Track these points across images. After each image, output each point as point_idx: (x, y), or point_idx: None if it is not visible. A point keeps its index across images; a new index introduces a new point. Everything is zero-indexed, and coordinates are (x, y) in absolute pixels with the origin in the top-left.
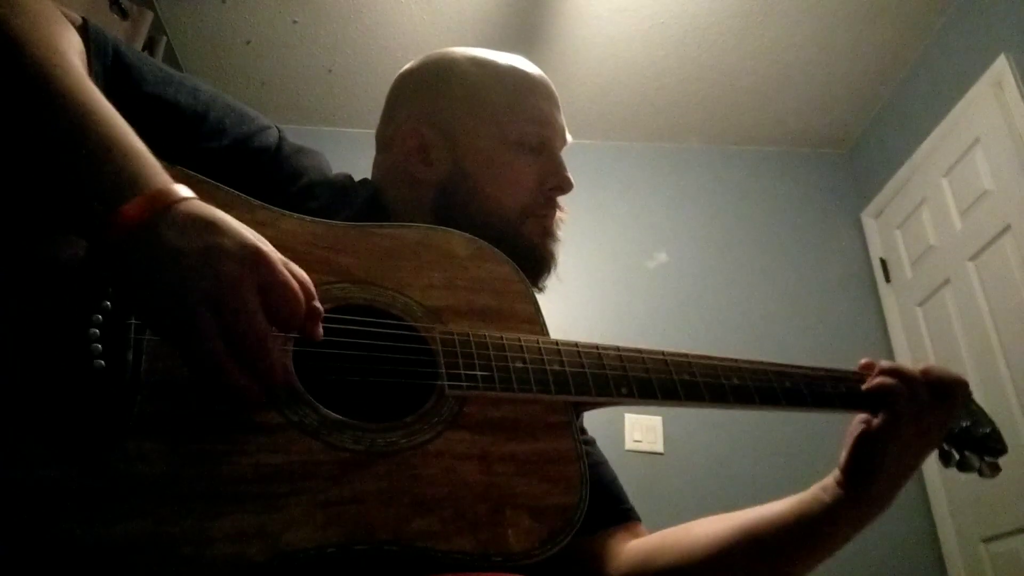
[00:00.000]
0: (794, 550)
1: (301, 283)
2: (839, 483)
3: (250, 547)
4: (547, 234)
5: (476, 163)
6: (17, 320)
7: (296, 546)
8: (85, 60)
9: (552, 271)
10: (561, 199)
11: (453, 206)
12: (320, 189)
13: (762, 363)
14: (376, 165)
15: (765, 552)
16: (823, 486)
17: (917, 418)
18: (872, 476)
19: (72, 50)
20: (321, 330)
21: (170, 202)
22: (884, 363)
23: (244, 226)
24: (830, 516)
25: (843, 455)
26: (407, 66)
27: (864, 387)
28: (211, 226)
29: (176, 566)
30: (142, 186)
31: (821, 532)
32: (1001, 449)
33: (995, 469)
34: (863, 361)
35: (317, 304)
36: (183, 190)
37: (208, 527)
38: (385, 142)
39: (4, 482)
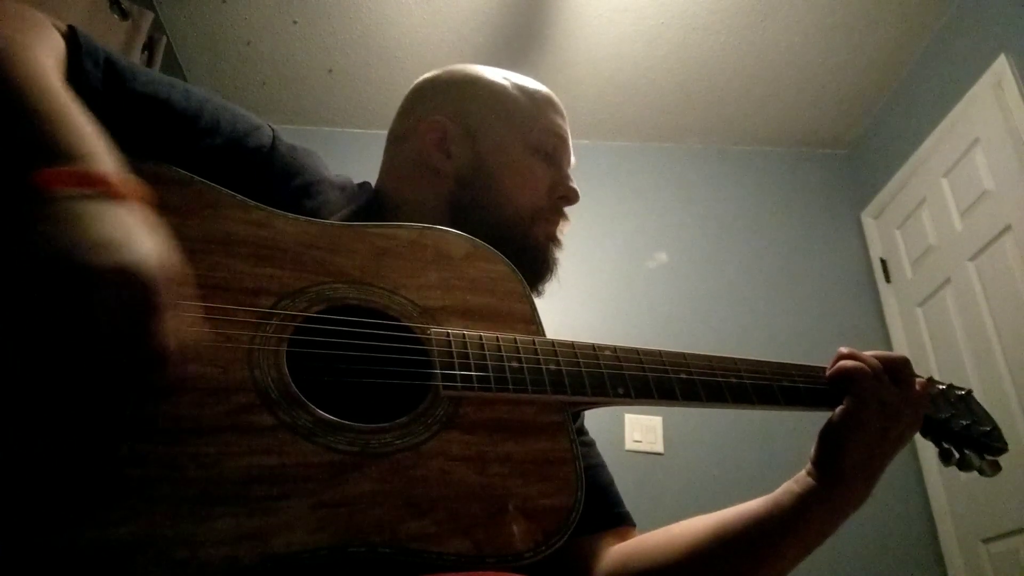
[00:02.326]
0: (767, 545)
1: (160, 349)
2: (809, 473)
3: (243, 550)
4: (552, 239)
5: (496, 159)
6: (9, 321)
7: (289, 549)
8: (63, 61)
9: (553, 276)
10: (567, 209)
11: (469, 198)
12: (317, 188)
13: (760, 362)
14: (388, 159)
15: (739, 549)
16: (795, 478)
17: (880, 401)
18: (839, 464)
19: (44, 48)
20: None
21: (108, 191)
22: (844, 349)
23: (146, 256)
24: (801, 508)
25: (814, 445)
26: (428, 73)
27: (828, 372)
28: (123, 230)
29: (169, 569)
30: (94, 162)
31: (793, 525)
32: (1001, 448)
33: (996, 467)
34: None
35: (156, 379)
36: (134, 190)
37: (201, 530)
38: (402, 134)
39: None
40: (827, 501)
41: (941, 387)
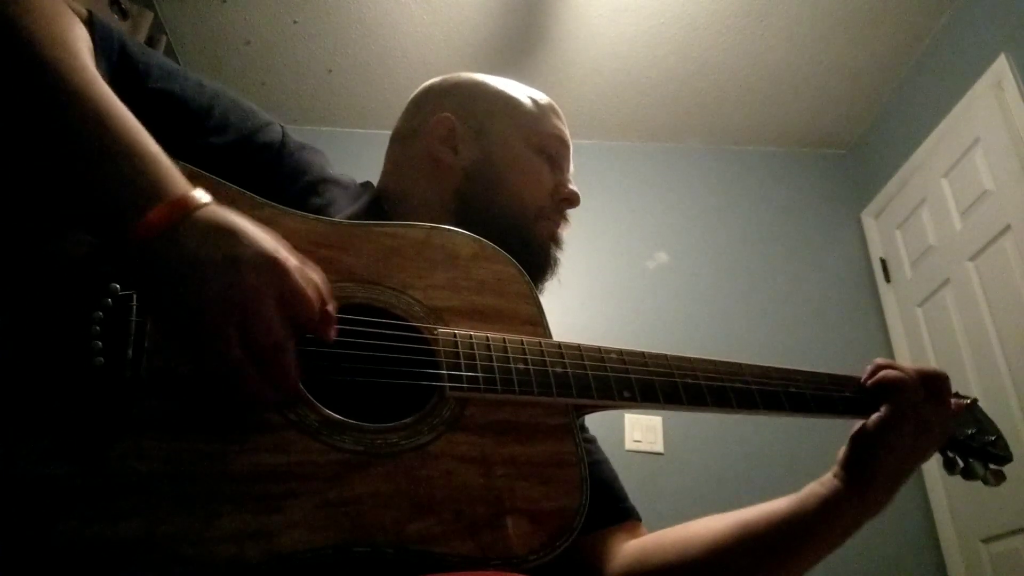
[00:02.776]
0: (790, 546)
1: (316, 286)
2: (836, 476)
3: (248, 547)
4: (554, 238)
5: (503, 156)
6: (18, 317)
7: (294, 547)
8: (93, 55)
9: (553, 275)
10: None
11: (476, 193)
12: (323, 186)
13: (765, 367)
14: (392, 158)
15: (761, 548)
16: (820, 481)
17: (915, 413)
18: (869, 469)
19: (82, 46)
20: (334, 333)
21: (190, 209)
22: (881, 360)
23: (261, 232)
24: (826, 510)
25: (843, 449)
26: (434, 78)
27: (869, 382)
28: (230, 234)
29: (174, 565)
30: (162, 193)
31: (817, 527)
32: (1006, 457)
33: (1000, 477)
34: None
35: (330, 308)
36: (202, 195)
37: (207, 527)
38: (409, 132)
39: (3, 479)
40: (852, 505)
41: None
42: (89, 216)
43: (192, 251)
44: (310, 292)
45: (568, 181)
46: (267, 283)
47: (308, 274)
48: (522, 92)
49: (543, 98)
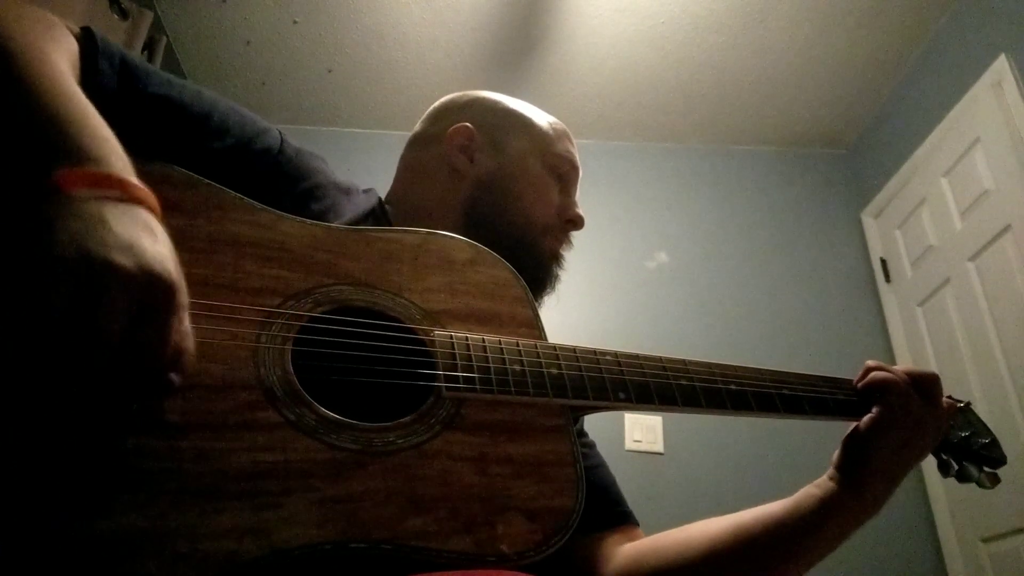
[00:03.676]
0: (787, 548)
1: (178, 350)
2: (832, 478)
3: (245, 543)
4: (556, 256)
5: (517, 170)
6: (16, 314)
7: (291, 543)
8: (77, 64)
9: (552, 291)
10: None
11: (486, 202)
12: (322, 191)
13: (759, 370)
14: (406, 161)
15: (758, 551)
16: (816, 483)
17: (908, 413)
18: (863, 470)
19: (54, 48)
20: (167, 391)
21: (125, 196)
22: (872, 362)
23: (172, 254)
24: (822, 511)
25: (837, 451)
26: (454, 93)
27: (859, 384)
28: (148, 230)
29: (171, 561)
30: (102, 165)
31: (813, 529)
32: (1000, 460)
33: (994, 480)
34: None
35: (173, 378)
36: (146, 195)
37: (204, 523)
38: (428, 138)
39: (3, 476)
40: (848, 506)
41: None
42: (18, 162)
43: (97, 214)
44: (177, 336)
45: (575, 204)
46: (136, 282)
47: (182, 331)
48: (541, 115)
49: (559, 124)
